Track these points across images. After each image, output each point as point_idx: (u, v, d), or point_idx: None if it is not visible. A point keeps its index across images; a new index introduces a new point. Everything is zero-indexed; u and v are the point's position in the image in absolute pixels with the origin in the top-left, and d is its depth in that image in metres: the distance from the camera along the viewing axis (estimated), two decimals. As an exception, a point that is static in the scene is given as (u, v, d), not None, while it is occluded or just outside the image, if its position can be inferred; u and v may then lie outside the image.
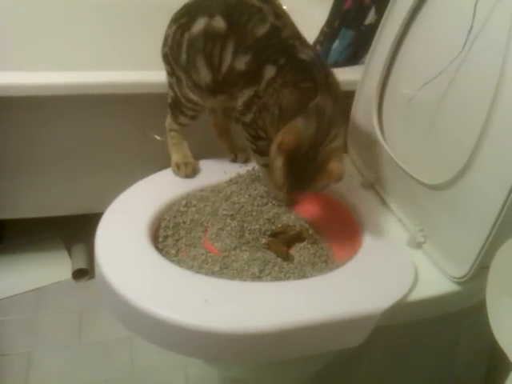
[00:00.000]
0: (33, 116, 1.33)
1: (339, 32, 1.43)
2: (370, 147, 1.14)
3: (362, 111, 1.18)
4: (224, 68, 0.99)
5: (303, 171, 0.92)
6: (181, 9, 1.06)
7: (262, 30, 0.96)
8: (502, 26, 0.80)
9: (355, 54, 1.45)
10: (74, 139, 1.41)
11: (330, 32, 1.44)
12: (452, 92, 0.91)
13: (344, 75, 1.40)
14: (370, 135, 1.11)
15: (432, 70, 0.93)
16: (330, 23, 1.44)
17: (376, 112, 1.10)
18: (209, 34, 0.98)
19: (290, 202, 1.05)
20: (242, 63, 0.97)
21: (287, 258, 0.96)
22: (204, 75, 1.02)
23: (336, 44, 1.44)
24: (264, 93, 0.97)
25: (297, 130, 0.91)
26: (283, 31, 0.97)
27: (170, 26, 1.07)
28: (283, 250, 0.97)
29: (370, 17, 1.39)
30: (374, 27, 1.29)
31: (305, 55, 0.96)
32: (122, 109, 1.37)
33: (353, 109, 1.21)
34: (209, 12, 0.99)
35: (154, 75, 1.28)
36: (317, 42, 1.47)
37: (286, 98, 0.95)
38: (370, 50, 1.15)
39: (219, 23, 0.97)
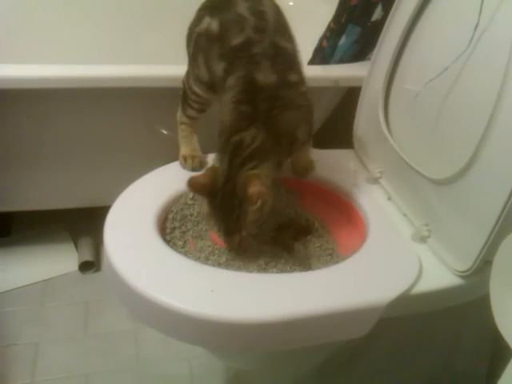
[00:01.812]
0: (40, 109, 1.34)
1: (346, 28, 1.43)
2: (375, 142, 1.15)
3: (368, 107, 1.19)
4: (213, 70, 0.99)
5: (228, 209, 0.88)
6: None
7: (236, 40, 0.94)
8: (509, 23, 0.81)
9: (362, 51, 1.45)
10: (81, 132, 1.42)
11: (336, 28, 1.44)
12: (457, 88, 0.91)
13: (350, 71, 1.42)
14: (376, 130, 1.12)
15: (438, 67, 0.93)
16: (337, 19, 1.44)
17: (382, 108, 1.11)
18: (208, 36, 0.99)
19: (235, 246, 0.93)
20: (220, 69, 0.96)
21: (292, 251, 0.97)
22: (203, 73, 1.03)
23: (343, 40, 1.44)
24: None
25: (210, 169, 0.91)
26: (256, 46, 0.93)
27: (196, 13, 1.07)
28: (289, 244, 0.98)
29: (377, 13, 1.39)
30: (380, 24, 1.29)
31: (263, 77, 0.90)
32: (128, 102, 1.38)
33: (359, 105, 1.22)
34: (214, 13, 1.00)
35: (159, 69, 1.29)
36: (323, 37, 1.47)
37: (224, 116, 0.93)
38: (377, 46, 1.15)
39: (214, 26, 0.98)
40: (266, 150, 0.88)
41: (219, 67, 0.96)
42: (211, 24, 0.99)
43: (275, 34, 0.95)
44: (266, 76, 0.91)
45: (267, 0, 1.00)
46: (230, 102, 0.91)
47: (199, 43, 1.02)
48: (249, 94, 0.90)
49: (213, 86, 1.02)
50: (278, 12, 1.00)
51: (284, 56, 0.96)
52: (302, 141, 0.99)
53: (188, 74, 1.08)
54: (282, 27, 0.99)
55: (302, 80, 0.98)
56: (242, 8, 0.96)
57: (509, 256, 0.67)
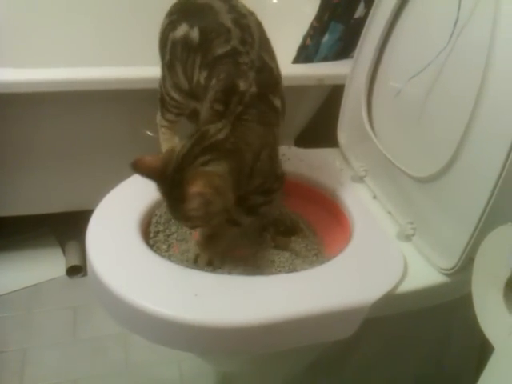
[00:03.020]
0: (25, 114, 1.32)
1: (329, 26, 1.42)
2: (359, 141, 1.15)
3: (352, 105, 1.18)
4: (194, 80, 0.97)
5: (175, 199, 0.85)
6: (177, 3, 1.04)
7: (221, 50, 0.91)
8: (487, 18, 0.81)
9: (345, 48, 1.45)
10: (67, 136, 1.41)
11: (319, 26, 1.43)
12: (439, 85, 0.91)
13: (334, 69, 1.42)
14: (360, 129, 1.12)
15: (419, 63, 0.93)
16: (319, 17, 1.43)
17: (365, 106, 1.11)
18: (186, 44, 0.96)
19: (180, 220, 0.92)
20: (202, 78, 0.94)
21: (287, 248, 0.98)
22: (182, 81, 1.00)
23: (326, 38, 1.44)
24: None
25: (167, 152, 0.88)
26: (243, 56, 0.91)
27: (165, 17, 1.04)
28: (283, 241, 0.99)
29: (360, 10, 1.39)
30: (363, 21, 1.28)
31: (245, 85, 0.88)
32: (113, 105, 1.37)
33: (342, 103, 1.21)
34: (191, 20, 0.96)
35: (142, 71, 1.28)
36: (307, 36, 1.47)
37: (201, 113, 0.92)
38: (359, 43, 1.15)
39: (195, 35, 0.95)
40: (226, 148, 0.85)
41: (202, 76, 0.94)
42: (190, 32, 0.95)
43: (261, 49, 0.93)
44: (248, 85, 0.88)
45: (250, 15, 0.98)
46: (208, 101, 0.90)
47: (176, 52, 0.98)
48: (225, 95, 0.88)
49: (193, 94, 1.00)
50: (261, 29, 0.98)
51: (268, 74, 0.93)
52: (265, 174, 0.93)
53: (164, 79, 1.06)
54: (265, 45, 0.97)
55: (282, 109, 0.94)
56: (226, 19, 0.93)
57: (490, 254, 0.67)
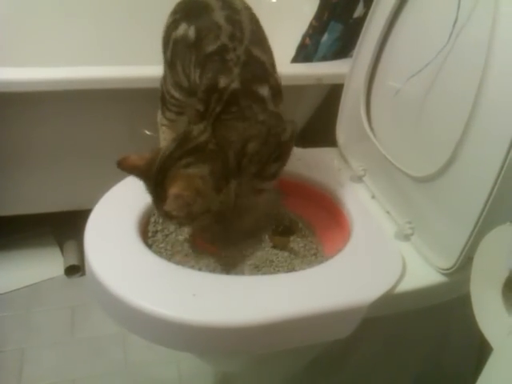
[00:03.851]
0: (24, 113, 1.32)
1: (328, 25, 1.42)
2: (358, 140, 1.15)
3: (351, 105, 1.18)
4: (192, 78, 0.97)
5: (159, 197, 0.87)
6: (182, 1, 1.04)
7: (211, 47, 0.92)
8: (486, 18, 0.80)
9: (344, 48, 1.45)
10: (66, 136, 1.41)
11: (318, 25, 1.43)
12: (438, 85, 0.91)
13: (333, 69, 1.42)
14: (359, 128, 1.12)
15: (418, 63, 0.93)
16: (318, 16, 1.43)
17: (364, 105, 1.11)
18: (184, 43, 0.97)
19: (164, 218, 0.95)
20: (197, 77, 0.95)
21: (286, 248, 0.97)
22: (182, 79, 1.01)
23: (325, 37, 1.44)
24: None
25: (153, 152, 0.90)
26: (230, 53, 0.91)
27: (169, 16, 1.04)
28: (282, 241, 0.98)
29: (359, 10, 1.39)
30: (362, 20, 1.28)
31: (225, 81, 0.89)
32: (112, 104, 1.36)
33: (341, 102, 1.21)
34: (189, 19, 0.97)
35: (142, 70, 1.28)
36: (306, 35, 1.47)
37: (188, 111, 0.94)
38: (358, 43, 1.15)
39: (191, 34, 0.95)
40: (208, 150, 0.87)
41: (196, 75, 0.95)
42: (188, 31, 0.96)
43: (250, 43, 0.93)
44: (228, 81, 0.89)
45: (245, 10, 0.97)
46: (195, 100, 0.92)
47: (177, 50, 0.99)
48: (207, 94, 0.90)
49: (193, 93, 0.99)
50: (255, 23, 0.98)
51: (256, 66, 0.93)
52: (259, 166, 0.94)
53: (165, 77, 1.06)
54: (258, 38, 0.97)
55: (275, 94, 0.94)
56: (219, 16, 0.94)
57: (488, 254, 0.67)
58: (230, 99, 0.89)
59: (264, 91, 0.92)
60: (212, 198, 0.86)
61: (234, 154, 0.89)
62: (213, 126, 0.88)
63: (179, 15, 1.01)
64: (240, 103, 0.89)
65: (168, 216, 0.88)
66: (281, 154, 0.96)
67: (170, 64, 1.02)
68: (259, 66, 0.94)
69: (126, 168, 0.90)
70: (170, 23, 1.03)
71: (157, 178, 0.86)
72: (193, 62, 0.95)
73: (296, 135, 0.98)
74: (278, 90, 0.95)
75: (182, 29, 0.97)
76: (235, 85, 0.89)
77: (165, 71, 1.06)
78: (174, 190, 0.81)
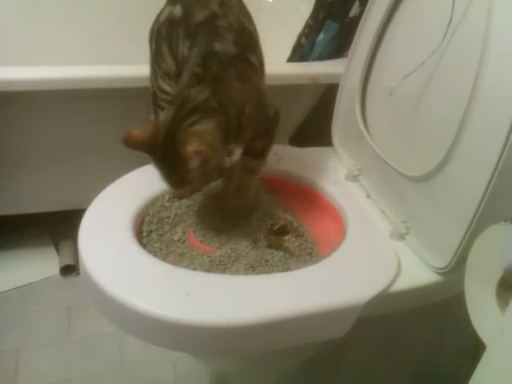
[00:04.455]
0: (20, 112, 1.32)
1: (324, 24, 1.42)
2: (353, 140, 1.15)
3: (346, 104, 1.18)
4: (179, 55, 0.98)
5: (170, 164, 0.87)
6: None
7: (201, 16, 0.94)
8: (481, 17, 0.80)
9: (340, 47, 1.45)
10: (61, 135, 1.40)
11: (314, 24, 1.43)
12: (432, 84, 0.91)
13: (329, 68, 1.42)
14: (354, 128, 1.12)
15: (413, 62, 0.93)
16: (314, 16, 1.44)
17: (359, 105, 1.11)
18: (170, 22, 0.99)
19: (176, 195, 1.01)
20: (186, 49, 0.96)
21: (280, 248, 0.97)
22: (170, 64, 1.01)
23: (321, 37, 1.44)
24: None
25: (153, 123, 0.90)
26: (221, 19, 0.93)
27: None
28: (277, 241, 0.98)
29: (354, 9, 1.39)
30: (358, 20, 1.28)
31: (222, 46, 0.91)
32: (106, 104, 1.36)
33: (337, 102, 1.21)
34: (174, 1, 0.99)
35: (139, 69, 1.26)
36: (302, 34, 1.47)
37: (182, 80, 0.94)
38: (353, 42, 1.14)
39: (178, 11, 0.97)
40: (210, 107, 0.87)
41: (185, 48, 0.95)
42: (173, 10, 0.98)
43: (239, 13, 0.96)
44: (225, 46, 0.91)
45: None
46: (187, 69, 0.92)
47: (161, 34, 1.01)
48: (204, 59, 0.90)
49: (180, 72, 1.00)
50: None
51: (247, 36, 0.96)
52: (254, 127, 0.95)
53: (154, 74, 1.07)
54: (244, 10, 1.00)
55: (260, 67, 0.97)
56: None
57: (482, 254, 0.67)
58: (228, 62, 0.90)
59: (254, 59, 0.95)
60: (221, 152, 0.87)
61: (234, 110, 0.89)
62: (212, 86, 0.88)
63: (163, 7, 1.03)
64: (237, 66, 0.91)
65: (182, 181, 0.88)
66: (268, 131, 0.97)
67: (155, 54, 1.03)
68: (249, 36, 0.97)
69: (133, 144, 0.88)
70: (155, 19, 1.04)
71: (165, 145, 0.85)
72: (181, 36, 0.96)
73: (280, 118, 0.98)
74: (262, 64, 0.98)
75: (167, 11, 0.99)
76: (232, 50, 0.91)
77: (152, 68, 1.06)
78: (191, 148, 0.81)
